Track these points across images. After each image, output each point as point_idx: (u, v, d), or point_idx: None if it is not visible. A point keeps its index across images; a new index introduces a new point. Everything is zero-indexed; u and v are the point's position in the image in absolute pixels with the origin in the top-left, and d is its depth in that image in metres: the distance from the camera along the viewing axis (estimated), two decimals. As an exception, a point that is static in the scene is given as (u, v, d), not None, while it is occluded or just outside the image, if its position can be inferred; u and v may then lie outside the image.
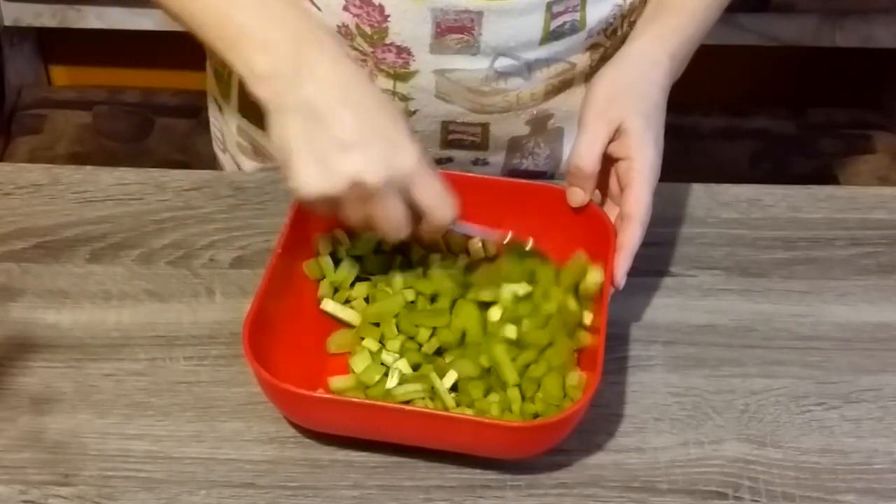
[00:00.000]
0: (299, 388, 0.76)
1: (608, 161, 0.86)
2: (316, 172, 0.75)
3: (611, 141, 0.85)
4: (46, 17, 1.93)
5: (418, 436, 0.79)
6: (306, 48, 0.76)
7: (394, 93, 0.94)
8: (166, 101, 2.03)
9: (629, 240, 0.83)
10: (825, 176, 1.95)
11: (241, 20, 0.78)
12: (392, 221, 0.77)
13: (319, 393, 0.80)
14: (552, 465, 0.80)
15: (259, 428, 0.82)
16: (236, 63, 0.78)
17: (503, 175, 1.02)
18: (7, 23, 1.93)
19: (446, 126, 0.97)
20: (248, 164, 1.10)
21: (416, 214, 0.79)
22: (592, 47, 0.95)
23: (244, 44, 0.77)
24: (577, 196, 0.87)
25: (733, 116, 2.08)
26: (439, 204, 0.78)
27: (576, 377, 0.81)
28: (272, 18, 0.78)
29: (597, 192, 0.87)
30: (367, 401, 0.78)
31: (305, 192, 0.76)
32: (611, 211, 0.87)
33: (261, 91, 0.77)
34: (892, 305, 0.93)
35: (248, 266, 0.93)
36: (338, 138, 0.74)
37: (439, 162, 1.00)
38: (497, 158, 1.01)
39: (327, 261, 0.88)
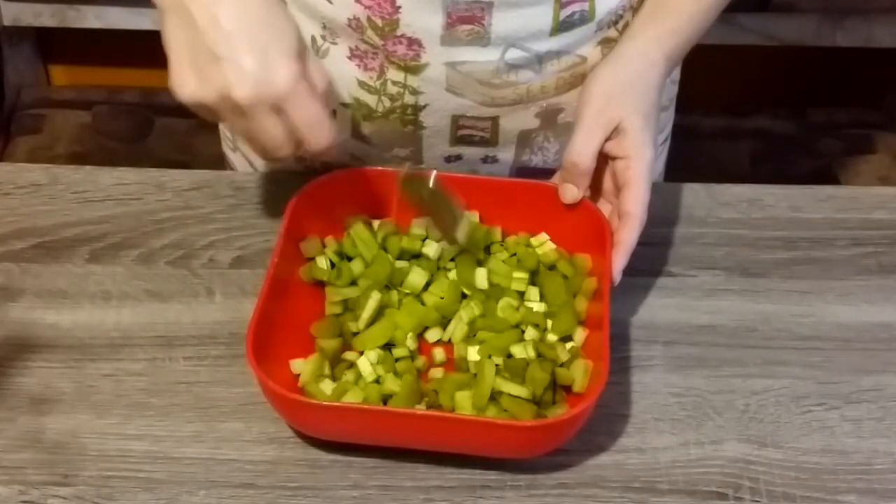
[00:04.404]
0: (310, 399, 0.77)
1: (603, 159, 0.86)
2: (191, 79, 0.75)
3: (608, 139, 0.85)
4: (46, 17, 1.93)
5: (422, 439, 0.78)
6: None
7: (405, 86, 0.94)
8: (166, 101, 2.01)
9: (627, 236, 0.84)
10: (826, 176, 1.96)
11: None
12: (268, 138, 0.77)
13: (327, 402, 0.79)
14: (552, 465, 0.80)
15: (259, 428, 0.82)
16: None
17: (512, 172, 1.02)
18: (7, 23, 1.93)
19: (456, 121, 0.97)
20: (260, 162, 1.10)
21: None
22: (603, 42, 0.95)
23: None
24: (571, 193, 0.87)
25: (733, 116, 2.09)
26: (314, 126, 0.77)
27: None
28: None
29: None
30: (370, 406, 0.78)
31: (181, 97, 0.76)
32: (602, 208, 0.88)
33: None
34: (893, 305, 0.93)
35: (247, 266, 0.93)
36: (208, 48, 0.74)
37: (449, 159, 1.00)
38: (506, 155, 1.01)
39: (321, 262, 0.88)
